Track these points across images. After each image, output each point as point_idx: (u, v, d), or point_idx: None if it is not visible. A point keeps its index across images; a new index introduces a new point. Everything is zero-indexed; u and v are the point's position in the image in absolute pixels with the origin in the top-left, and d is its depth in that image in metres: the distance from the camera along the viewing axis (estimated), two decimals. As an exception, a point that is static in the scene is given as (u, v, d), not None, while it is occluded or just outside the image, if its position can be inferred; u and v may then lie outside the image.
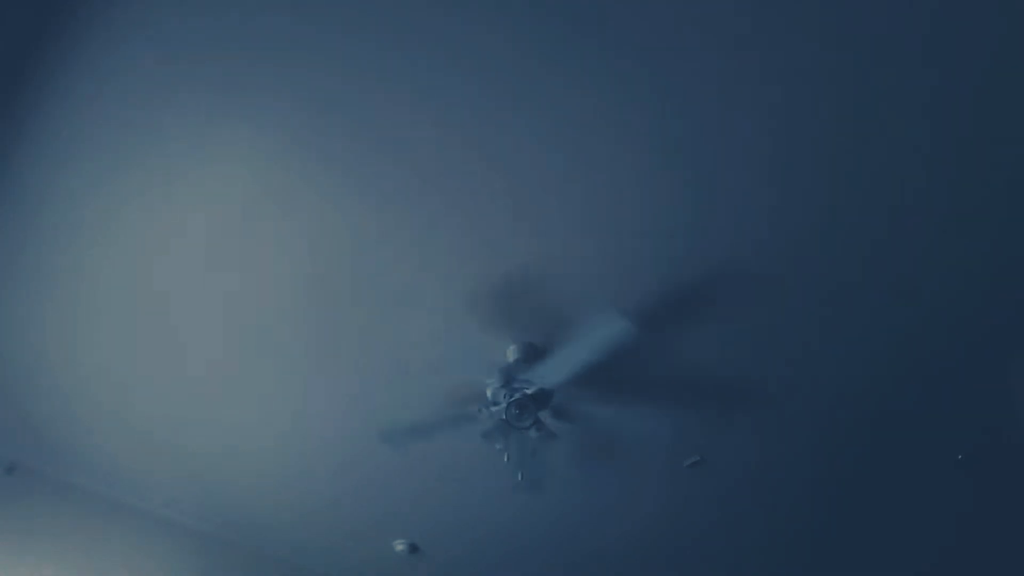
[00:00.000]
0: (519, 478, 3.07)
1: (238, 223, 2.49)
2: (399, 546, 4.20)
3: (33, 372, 3.18)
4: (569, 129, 2.14)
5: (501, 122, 2.13)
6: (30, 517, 3.62)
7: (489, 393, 2.79)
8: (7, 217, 2.52)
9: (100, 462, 3.72)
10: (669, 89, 2.02)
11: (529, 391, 2.69)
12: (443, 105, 2.10)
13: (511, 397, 2.70)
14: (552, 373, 2.65)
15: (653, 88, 2.02)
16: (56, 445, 3.61)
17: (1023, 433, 3.18)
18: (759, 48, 1.92)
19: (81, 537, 3.74)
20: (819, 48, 1.91)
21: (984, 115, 2.03)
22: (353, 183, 2.33)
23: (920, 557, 4.23)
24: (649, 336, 2.77)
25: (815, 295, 2.59)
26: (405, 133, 2.18)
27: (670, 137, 2.13)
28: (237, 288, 2.72)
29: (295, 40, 1.98)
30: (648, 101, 2.05)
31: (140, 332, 2.94)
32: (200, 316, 2.84)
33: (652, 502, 3.74)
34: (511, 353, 2.83)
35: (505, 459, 2.90)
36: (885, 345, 2.78)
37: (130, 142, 2.26)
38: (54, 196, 2.44)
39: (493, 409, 2.75)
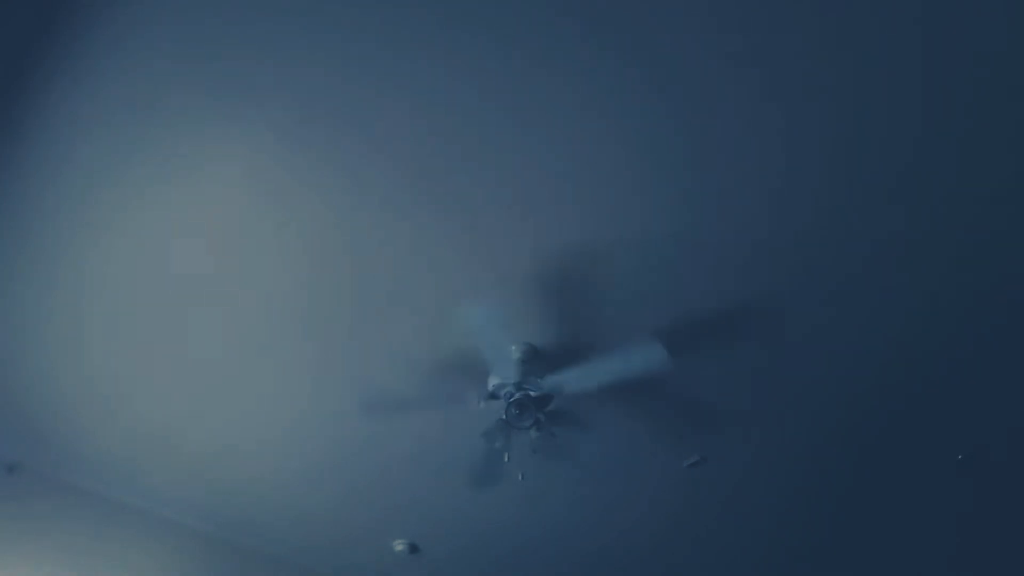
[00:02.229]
0: (520, 478, 3.06)
1: (238, 223, 2.49)
2: (399, 546, 4.20)
3: (33, 372, 3.18)
4: (569, 130, 2.13)
5: (500, 123, 2.13)
6: (30, 517, 3.62)
7: (491, 386, 2.77)
8: (7, 218, 2.52)
9: (100, 462, 3.71)
10: (669, 91, 2.02)
11: (533, 393, 2.68)
12: (442, 106, 2.10)
13: (511, 397, 2.69)
14: (570, 383, 2.63)
15: (651, 89, 2.02)
16: (56, 445, 3.61)
17: (1023, 433, 3.18)
18: (759, 49, 1.91)
19: (81, 537, 3.74)
20: (820, 45, 1.91)
21: (986, 113, 2.03)
22: (353, 184, 2.33)
23: (920, 557, 4.23)
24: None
25: (814, 294, 2.59)
26: (405, 134, 2.18)
27: (669, 138, 2.13)
28: (237, 288, 2.72)
29: (294, 42, 1.97)
30: (646, 102, 2.05)
31: (140, 332, 2.93)
32: (200, 316, 2.84)
33: (652, 502, 3.73)
34: (513, 353, 2.82)
35: (505, 459, 2.89)
36: (885, 345, 2.78)
37: (130, 143, 2.26)
38: (54, 197, 2.44)
39: (489, 402, 2.73)
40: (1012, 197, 2.24)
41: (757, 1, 1.82)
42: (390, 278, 2.63)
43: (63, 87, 2.12)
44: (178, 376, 3.13)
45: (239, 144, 2.24)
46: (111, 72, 2.08)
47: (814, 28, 1.86)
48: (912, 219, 2.32)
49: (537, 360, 2.81)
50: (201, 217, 2.47)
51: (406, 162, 2.26)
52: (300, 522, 4.10)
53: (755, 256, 2.46)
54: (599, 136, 2.15)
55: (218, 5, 1.91)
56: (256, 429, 3.41)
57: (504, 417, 2.71)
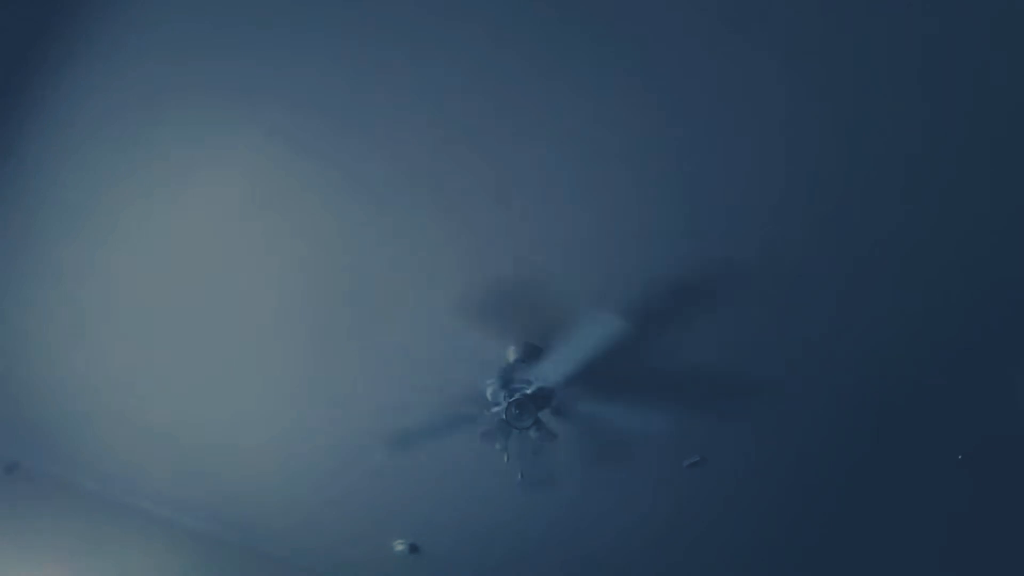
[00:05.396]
0: (519, 478, 3.07)
1: (237, 224, 2.49)
2: (399, 546, 4.20)
3: (33, 372, 3.18)
4: (566, 130, 2.13)
5: (498, 124, 2.13)
6: (30, 517, 3.62)
7: (489, 394, 2.79)
8: (8, 217, 2.52)
9: (100, 462, 3.72)
10: (666, 90, 2.02)
11: (528, 391, 2.69)
12: (440, 107, 2.10)
13: (511, 397, 2.70)
14: (550, 372, 2.65)
15: (650, 88, 2.02)
16: (56, 445, 3.61)
17: (1023, 433, 3.18)
18: (757, 52, 1.92)
19: (81, 537, 3.74)
20: (818, 49, 1.91)
21: (985, 111, 2.03)
22: (351, 185, 2.33)
23: (920, 557, 4.23)
24: (648, 335, 2.77)
25: (814, 294, 2.59)
26: (403, 135, 2.18)
27: (667, 137, 2.13)
28: (236, 289, 2.72)
29: (293, 44, 1.97)
30: (644, 102, 2.05)
31: (140, 332, 2.93)
32: (200, 317, 2.84)
33: (652, 502, 3.73)
34: (511, 353, 2.83)
35: (505, 459, 2.90)
36: (885, 345, 2.78)
37: (131, 144, 2.26)
38: (55, 196, 2.44)
39: (494, 410, 2.75)
40: (1013, 196, 2.24)
41: (760, 8, 1.82)
42: (389, 279, 2.63)
43: (62, 89, 2.12)
44: (178, 376, 3.13)
45: (237, 146, 2.24)
46: (111, 74, 2.07)
47: (814, 28, 1.87)
48: (913, 219, 2.32)
49: (537, 358, 2.81)
50: (201, 218, 2.47)
51: (406, 164, 2.25)
52: (300, 522, 4.10)
53: (756, 253, 2.46)
54: (598, 137, 2.14)
55: (216, 7, 1.91)
56: (256, 429, 3.41)
57: (504, 417, 2.71)
